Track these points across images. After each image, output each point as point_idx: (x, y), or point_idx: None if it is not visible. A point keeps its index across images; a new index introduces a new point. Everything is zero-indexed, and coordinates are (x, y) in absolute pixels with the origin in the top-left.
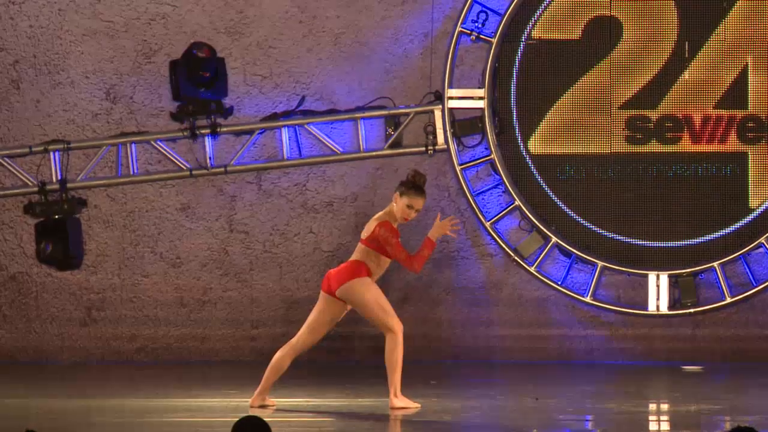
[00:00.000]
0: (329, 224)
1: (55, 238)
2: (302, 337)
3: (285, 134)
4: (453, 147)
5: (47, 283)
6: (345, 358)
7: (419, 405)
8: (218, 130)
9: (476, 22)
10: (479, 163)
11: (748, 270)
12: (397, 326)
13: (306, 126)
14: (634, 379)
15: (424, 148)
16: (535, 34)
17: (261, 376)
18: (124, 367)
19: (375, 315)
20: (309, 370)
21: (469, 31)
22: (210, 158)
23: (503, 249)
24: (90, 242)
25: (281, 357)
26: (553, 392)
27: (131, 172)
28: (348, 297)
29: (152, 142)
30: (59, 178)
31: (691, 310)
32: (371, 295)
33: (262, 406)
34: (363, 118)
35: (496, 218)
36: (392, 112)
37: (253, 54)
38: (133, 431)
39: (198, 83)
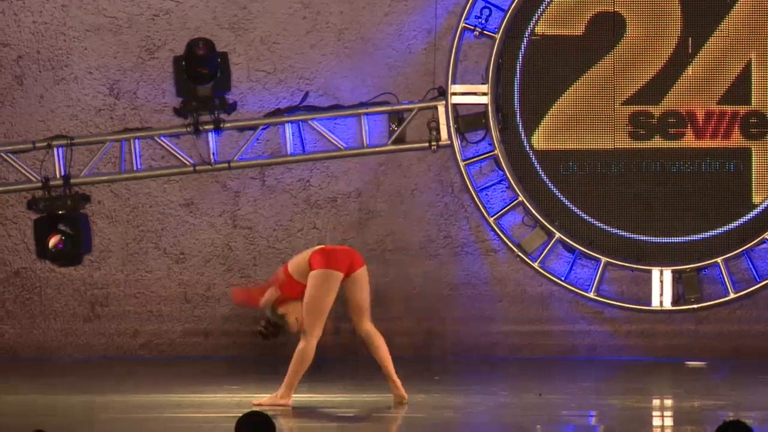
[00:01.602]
0: (333, 220)
1: (66, 233)
2: (321, 324)
3: (288, 130)
4: (456, 142)
5: (51, 279)
6: (348, 353)
7: None
8: (222, 125)
9: (480, 17)
10: (483, 158)
11: (751, 266)
12: None
13: (309, 122)
14: (638, 374)
15: (427, 144)
16: (539, 29)
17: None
18: (128, 363)
19: (368, 305)
20: (311, 366)
21: (472, 27)
22: (213, 154)
23: (507, 245)
24: (93, 238)
25: (310, 349)
26: (556, 388)
27: (135, 168)
28: (365, 279)
29: (156, 138)
30: (63, 173)
31: (695, 306)
32: None
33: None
34: (366, 113)
35: (499, 214)
36: (396, 107)
37: (257, 50)
38: (136, 427)
39: (199, 79)
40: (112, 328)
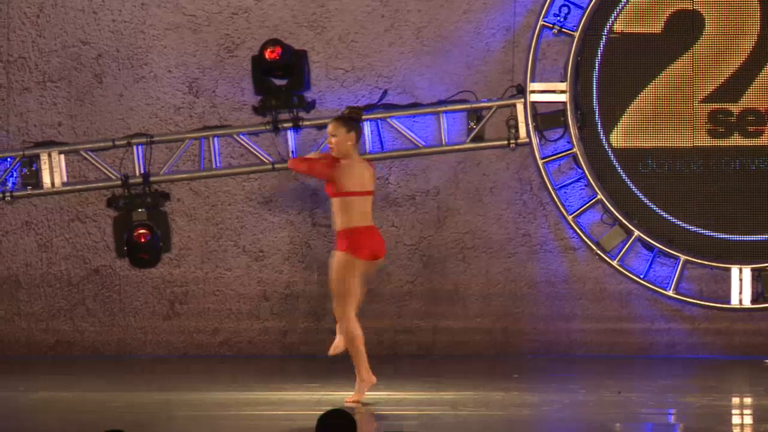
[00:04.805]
0: (411, 218)
1: (152, 227)
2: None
3: (367, 128)
4: (535, 140)
5: (130, 277)
6: (426, 352)
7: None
8: (300, 123)
9: (558, 15)
10: (561, 156)
11: None
12: None
13: (388, 120)
14: (717, 373)
15: (506, 142)
16: (617, 27)
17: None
18: (207, 361)
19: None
20: (389, 364)
21: (551, 25)
22: (292, 152)
23: (585, 243)
24: (173, 236)
25: (354, 328)
26: (635, 386)
27: (214, 166)
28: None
29: (235, 136)
30: (142, 171)
31: None
32: None
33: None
34: (445, 111)
35: (578, 212)
36: (474, 105)
37: (335, 48)
38: (214, 425)
39: (276, 78)
40: (191, 326)
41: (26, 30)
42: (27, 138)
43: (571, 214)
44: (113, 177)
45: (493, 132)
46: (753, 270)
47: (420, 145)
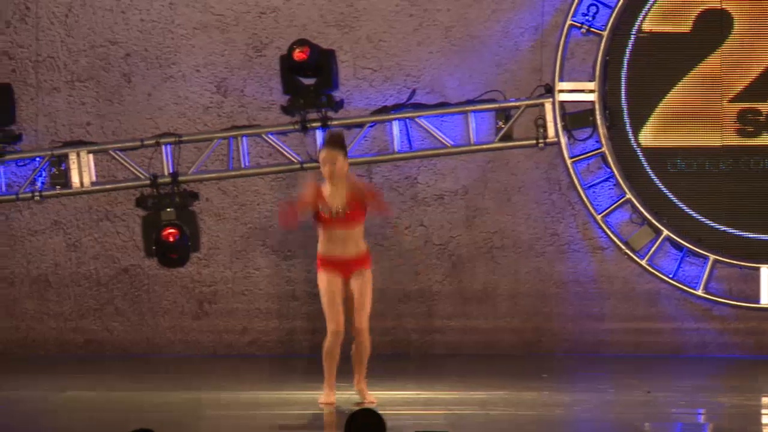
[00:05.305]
0: (440, 217)
1: (182, 226)
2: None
3: (395, 127)
4: (563, 140)
5: (159, 276)
6: (455, 351)
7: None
8: (329, 123)
9: (587, 15)
10: (590, 156)
11: None
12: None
13: (416, 119)
14: (747, 372)
15: (534, 141)
16: (646, 27)
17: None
18: (236, 360)
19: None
20: (418, 364)
21: (579, 24)
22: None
23: (614, 242)
24: (202, 235)
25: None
26: (664, 386)
27: (242, 166)
28: None
29: (263, 136)
30: (171, 171)
31: None
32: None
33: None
34: (473, 111)
35: (607, 211)
36: (503, 105)
37: (363, 47)
38: (243, 424)
39: (304, 78)
40: (220, 326)
41: (55, 30)
42: (56, 138)
43: (599, 214)
44: (142, 176)
45: (522, 131)
46: None
47: (448, 145)
